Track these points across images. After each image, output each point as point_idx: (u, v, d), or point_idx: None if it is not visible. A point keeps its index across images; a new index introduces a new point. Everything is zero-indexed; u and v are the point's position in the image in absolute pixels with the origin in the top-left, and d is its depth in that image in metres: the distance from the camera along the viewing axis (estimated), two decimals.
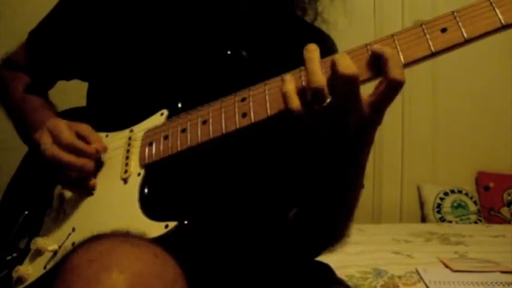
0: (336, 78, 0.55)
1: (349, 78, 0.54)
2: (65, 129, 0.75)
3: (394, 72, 0.55)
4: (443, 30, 0.54)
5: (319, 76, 0.56)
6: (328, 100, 0.56)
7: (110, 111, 0.85)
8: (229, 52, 0.82)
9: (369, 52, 0.58)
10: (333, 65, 0.55)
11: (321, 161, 0.65)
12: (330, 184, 0.68)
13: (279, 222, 0.79)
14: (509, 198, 2.82)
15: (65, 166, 0.73)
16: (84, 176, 0.75)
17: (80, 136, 0.77)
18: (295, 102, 0.57)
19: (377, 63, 0.57)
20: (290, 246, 0.81)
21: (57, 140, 0.74)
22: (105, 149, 0.78)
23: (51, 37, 0.93)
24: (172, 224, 0.65)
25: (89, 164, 0.74)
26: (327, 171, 0.66)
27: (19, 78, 0.95)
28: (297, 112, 0.57)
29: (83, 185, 0.75)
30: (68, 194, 0.79)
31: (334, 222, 0.75)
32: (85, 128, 0.78)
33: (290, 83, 0.58)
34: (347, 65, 0.55)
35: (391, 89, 0.56)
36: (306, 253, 0.84)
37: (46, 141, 0.74)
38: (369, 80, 0.58)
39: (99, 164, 0.78)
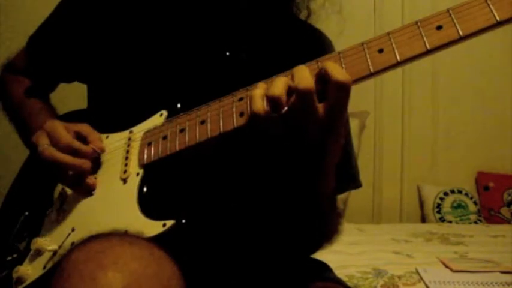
0: (293, 89, 0.58)
1: (302, 91, 0.57)
2: (62, 130, 0.76)
3: (336, 75, 0.56)
4: (439, 27, 0.55)
5: (277, 87, 0.58)
6: (285, 109, 0.58)
7: (110, 113, 0.85)
8: (228, 53, 0.83)
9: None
10: (292, 77, 0.58)
11: (289, 165, 0.67)
12: (298, 190, 0.69)
13: (272, 220, 0.79)
14: (509, 198, 2.82)
15: (62, 166, 0.74)
16: (82, 176, 0.75)
17: (79, 136, 0.77)
18: (257, 105, 0.59)
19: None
20: (281, 244, 0.82)
21: (54, 141, 0.75)
22: (102, 149, 0.78)
23: (51, 40, 0.94)
24: (169, 223, 0.65)
25: (86, 164, 0.74)
26: (295, 177, 0.68)
27: (20, 81, 0.96)
28: (257, 115, 0.59)
29: (82, 184, 0.75)
30: (68, 194, 0.79)
31: (313, 224, 0.76)
32: (84, 128, 0.78)
33: (260, 88, 0.61)
34: (303, 77, 0.57)
35: (339, 91, 0.57)
36: (297, 251, 0.85)
37: (43, 143, 0.75)
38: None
39: (98, 165, 0.79)
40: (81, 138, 0.77)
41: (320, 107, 0.58)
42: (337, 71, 0.57)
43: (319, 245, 0.83)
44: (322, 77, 0.58)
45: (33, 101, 0.93)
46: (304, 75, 0.57)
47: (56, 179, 0.80)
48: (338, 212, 0.81)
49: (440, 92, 2.94)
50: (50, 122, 0.78)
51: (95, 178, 0.77)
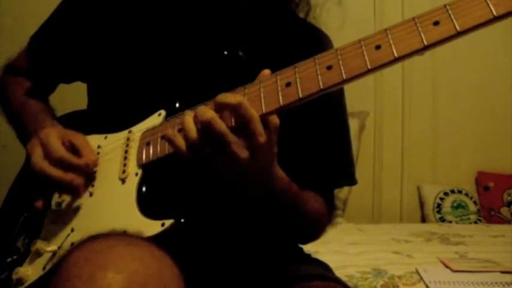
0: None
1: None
2: (56, 141, 0.75)
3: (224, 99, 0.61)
4: (436, 23, 0.54)
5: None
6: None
7: (109, 113, 0.85)
8: (226, 52, 0.83)
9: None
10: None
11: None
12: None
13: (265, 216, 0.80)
14: (509, 198, 2.82)
15: (53, 181, 0.74)
16: (74, 188, 0.75)
17: (73, 147, 0.77)
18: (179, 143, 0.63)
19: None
20: (276, 237, 0.84)
21: (47, 153, 0.75)
22: (95, 163, 0.78)
23: (51, 41, 0.94)
24: (168, 222, 0.65)
25: (77, 179, 0.74)
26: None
27: (20, 83, 0.96)
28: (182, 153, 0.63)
29: (75, 193, 0.76)
30: (67, 195, 0.79)
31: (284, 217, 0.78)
32: (78, 139, 0.78)
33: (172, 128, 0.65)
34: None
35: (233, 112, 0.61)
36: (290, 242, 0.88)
37: (37, 155, 0.75)
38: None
39: (97, 165, 0.79)
40: (74, 149, 0.77)
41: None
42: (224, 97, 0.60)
43: (303, 234, 0.85)
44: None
45: (32, 102, 0.93)
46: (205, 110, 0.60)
47: (49, 188, 0.80)
48: (312, 203, 0.82)
49: (441, 92, 2.94)
50: (45, 130, 0.78)
51: (92, 186, 0.77)
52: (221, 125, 0.59)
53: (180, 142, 0.62)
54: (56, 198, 0.80)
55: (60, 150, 0.75)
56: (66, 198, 0.79)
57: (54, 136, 0.76)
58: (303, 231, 0.84)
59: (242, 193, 0.70)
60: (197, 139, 0.61)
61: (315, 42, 0.89)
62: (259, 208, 0.74)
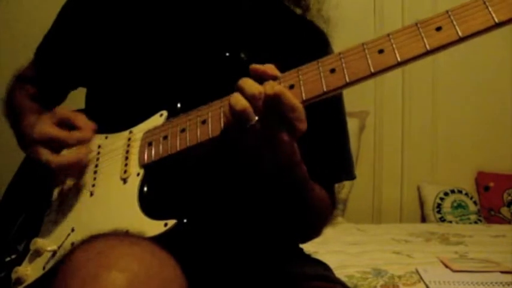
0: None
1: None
2: (55, 131, 0.76)
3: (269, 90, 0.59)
4: (438, 28, 0.55)
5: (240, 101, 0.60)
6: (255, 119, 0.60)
7: (110, 114, 0.85)
8: (227, 54, 0.83)
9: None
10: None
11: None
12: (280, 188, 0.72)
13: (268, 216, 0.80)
14: (509, 198, 2.82)
15: (74, 164, 0.75)
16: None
17: (66, 122, 0.77)
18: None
19: None
20: (278, 235, 0.83)
21: (53, 147, 0.75)
22: (93, 126, 0.78)
23: (54, 47, 0.95)
24: (171, 223, 0.65)
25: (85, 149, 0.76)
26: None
27: (24, 88, 0.97)
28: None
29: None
30: (67, 195, 0.79)
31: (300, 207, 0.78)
32: (65, 113, 0.78)
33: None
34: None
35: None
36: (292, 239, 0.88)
37: (44, 154, 0.75)
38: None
39: (98, 165, 0.79)
40: (68, 124, 0.77)
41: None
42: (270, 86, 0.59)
43: (306, 224, 0.84)
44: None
45: (26, 102, 0.93)
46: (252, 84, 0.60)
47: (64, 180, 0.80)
48: (322, 194, 0.82)
49: (440, 92, 2.94)
50: (36, 129, 0.77)
51: (93, 186, 0.77)
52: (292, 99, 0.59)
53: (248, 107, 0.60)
54: (56, 196, 0.81)
55: (62, 133, 0.75)
56: (66, 197, 0.79)
57: (48, 127, 0.76)
58: (306, 220, 0.83)
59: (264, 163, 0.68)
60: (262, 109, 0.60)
61: (316, 42, 0.90)
62: (271, 191, 0.74)
